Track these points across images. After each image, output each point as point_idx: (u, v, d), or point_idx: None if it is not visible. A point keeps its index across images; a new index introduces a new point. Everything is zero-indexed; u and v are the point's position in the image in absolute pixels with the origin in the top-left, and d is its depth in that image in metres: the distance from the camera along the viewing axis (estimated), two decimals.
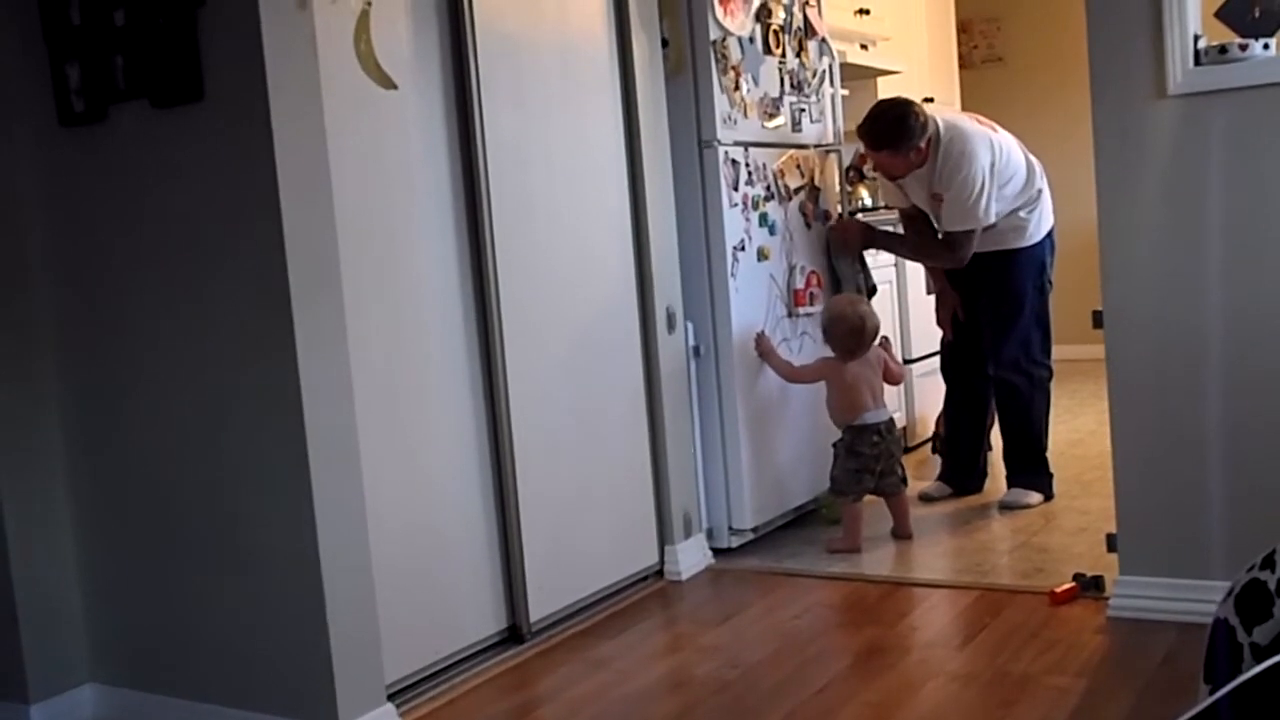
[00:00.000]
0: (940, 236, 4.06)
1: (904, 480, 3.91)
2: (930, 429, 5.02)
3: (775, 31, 4.02)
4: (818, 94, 4.27)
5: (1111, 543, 3.07)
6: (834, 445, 3.90)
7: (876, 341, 3.92)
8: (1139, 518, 2.98)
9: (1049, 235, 4.12)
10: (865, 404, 3.83)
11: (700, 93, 3.71)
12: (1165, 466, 2.92)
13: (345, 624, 2.54)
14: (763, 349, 3.87)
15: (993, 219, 3.92)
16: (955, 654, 2.89)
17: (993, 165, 3.89)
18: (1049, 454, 4.19)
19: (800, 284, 4.07)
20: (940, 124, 3.91)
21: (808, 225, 4.15)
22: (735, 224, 3.77)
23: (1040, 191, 4.09)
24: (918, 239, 4.17)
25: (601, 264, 3.43)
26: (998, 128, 4.04)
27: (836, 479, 3.87)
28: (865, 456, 3.81)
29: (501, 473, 3.08)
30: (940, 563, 3.63)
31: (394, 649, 2.71)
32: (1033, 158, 4.10)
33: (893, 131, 3.83)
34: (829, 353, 3.97)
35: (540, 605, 3.17)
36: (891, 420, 3.91)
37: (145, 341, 2.67)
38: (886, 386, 3.96)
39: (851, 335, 3.84)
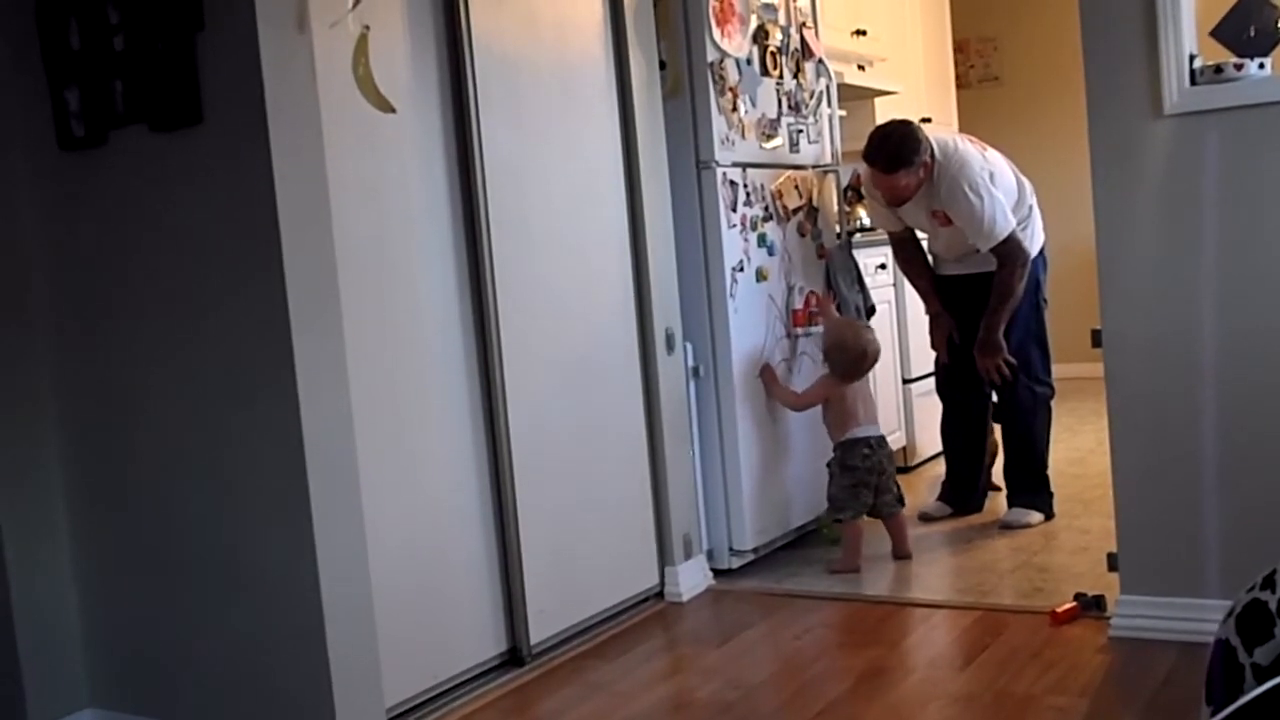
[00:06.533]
0: (995, 263, 3.97)
1: (900, 500, 3.91)
2: (930, 449, 5.03)
3: (772, 53, 4.03)
4: (815, 115, 4.28)
5: (1112, 562, 3.06)
6: (828, 465, 3.91)
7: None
8: (1140, 537, 2.97)
9: (1041, 252, 4.14)
10: (858, 418, 3.85)
11: (698, 114, 3.72)
12: (1166, 485, 2.92)
13: (345, 648, 2.53)
14: (766, 380, 3.88)
15: (1015, 221, 3.92)
16: (957, 675, 2.88)
17: (991, 176, 3.91)
18: (1049, 473, 4.19)
19: (799, 304, 4.08)
20: (933, 142, 3.92)
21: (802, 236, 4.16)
22: (734, 245, 3.78)
23: (1031, 208, 4.11)
24: (996, 297, 3.97)
25: (600, 285, 3.44)
26: (986, 146, 4.06)
27: (834, 497, 3.88)
28: (859, 470, 3.82)
29: (501, 495, 3.08)
30: (941, 583, 3.62)
31: (394, 672, 2.71)
32: (1022, 176, 4.12)
33: (904, 148, 3.84)
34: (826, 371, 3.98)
35: (540, 628, 3.17)
36: (883, 437, 3.92)
37: (145, 365, 2.67)
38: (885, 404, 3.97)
39: (854, 363, 3.86)
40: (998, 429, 4.26)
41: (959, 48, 6.72)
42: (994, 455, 4.37)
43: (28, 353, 2.76)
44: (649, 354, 3.57)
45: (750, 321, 3.85)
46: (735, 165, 3.81)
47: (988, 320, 4.00)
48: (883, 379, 4.72)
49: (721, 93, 3.76)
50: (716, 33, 3.74)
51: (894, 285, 4.87)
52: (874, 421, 3.91)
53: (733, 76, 3.81)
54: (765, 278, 3.92)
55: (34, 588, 2.75)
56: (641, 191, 3.54)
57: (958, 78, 6.55)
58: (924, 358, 4.76)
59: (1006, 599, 3.38)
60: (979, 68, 7.29)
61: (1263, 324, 2.79)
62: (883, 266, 4.80)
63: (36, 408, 2.78)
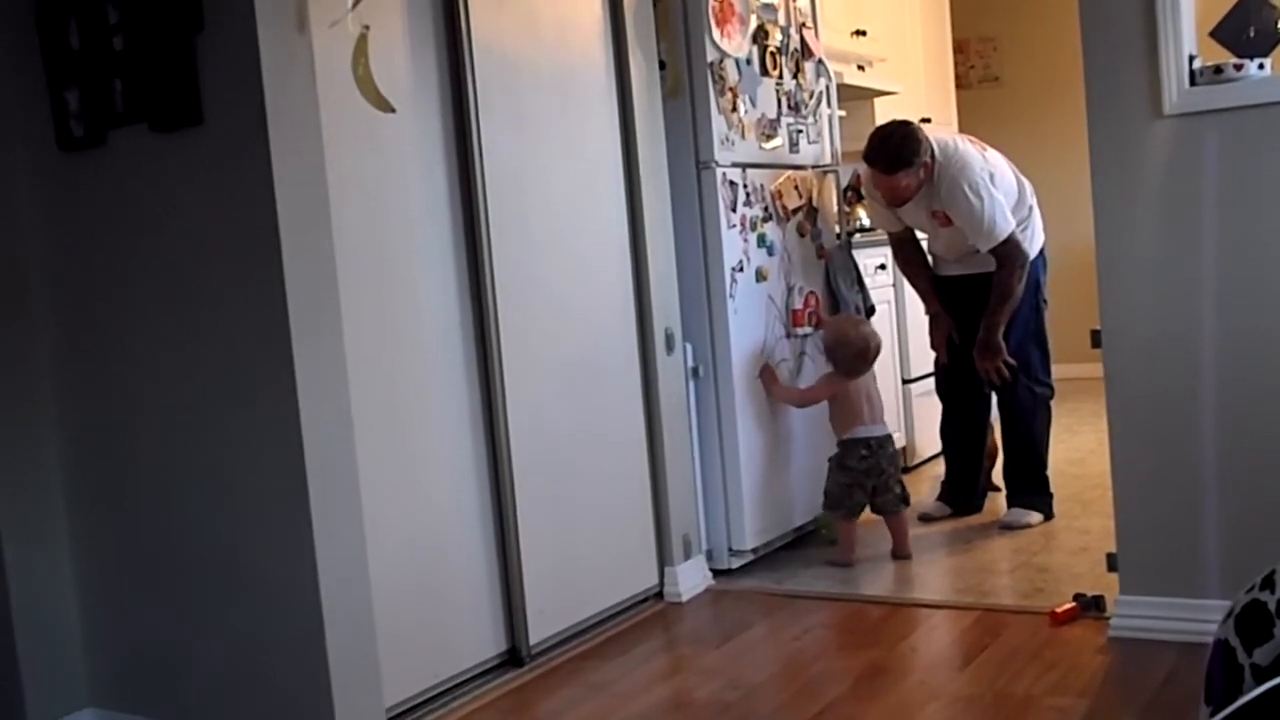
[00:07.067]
0: (994, 264, 3.97)
1: (904, 499, 3.91)
2: (929, 449, 5.02)
3: (772, 53, 4.03)
4: (815, 115, 4.28)
5: (1112, 562, 3.07)
6: (829, 460, 3.92)
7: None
8: (1139, 537, 2.97)
9: (1041, 253, 4.14)
10: (862, 417, 3.86)
11: (698, 114, 3.73)
12: (1165, 485, 2.92)
13: (345, 648, 2.53)
14: (765, 380, 3.88)
15: (1014, 222, 3.93)
16: (956, 675, 2.88)
17: (992, 176, 3.92)
18: (1049, 473, 4.19)
19: (798, 304, 4.08)
20: (933, 143, 3.93)
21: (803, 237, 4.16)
22: (733, 245, 3.78)
23: (1031, 209, 4.11)
24: (995, 298, 3.97)
25: (600, 286, 3.44)
26: (986, 147, 4.06)
27: (828, 492, 3.91)
28: (854, 471, 3.83)
29: (501, 495, 3.08)
30: (940, 583, 3.62)
31: (393, 672, 2.71)
32: (1022, 176, 4.12)
33: (905, 149, 3.84)
34: (829, 369, 3.98)
35: (540, 628, 3.17)
36: (887, 436, 3.92)
37: (145, 365, 2.67)
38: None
39: (857, 357, 3.87)
40: (997, 429, 4.26)
41: (959, 48, 6.72)
42: (994, 456, 4.37)
43: (27, 353, 2.76)
44: (649, 354, 3.57)
45: (750, 322, 3.85)
46: (735, 165, 3.81)
47: (987, 321, 4.00)
48: (882, 379, 4.70)
49: (721, 93, 3.76)
50: (716, 33, 3.74)
51: (894, 286, 4.87)
52: (879, 421, 3.91)
53: (732, 77, 3.81)
54: (765, 278, 3.92)
55: (34, 588, 2.75)
56: (641, 192, 3.54)
57: (957, 78, 6.55)
58: (923, 358, 4.77)
59: (1006, 599, 3.38)
60: (979, 68, 7.29)
61: (1263, 324, 2.79)
62: (882, 267, 4.80)
63: (36, 408, 2.78)
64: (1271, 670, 1.56)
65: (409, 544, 2.83)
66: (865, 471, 3.83)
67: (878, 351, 3.93)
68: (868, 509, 3.90)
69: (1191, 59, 2.84)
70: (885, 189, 3.95)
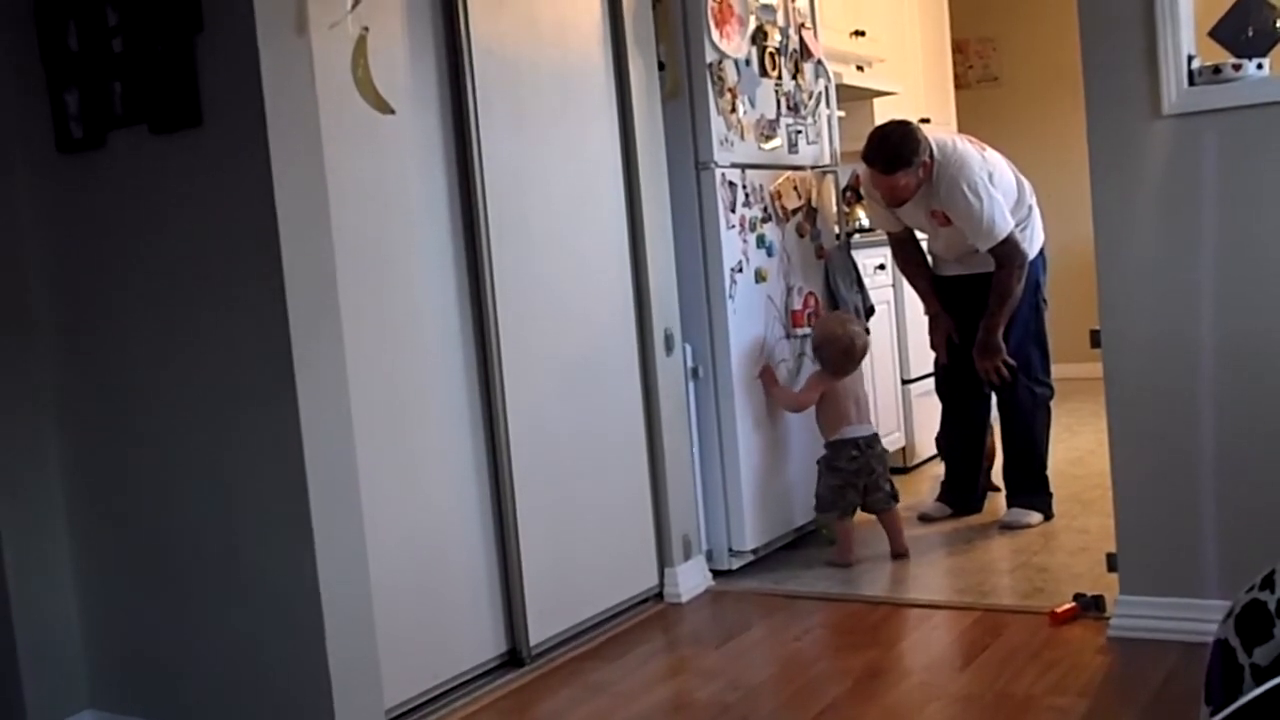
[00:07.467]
0: (993, 264, 3.96)
1: (893, 496, 3.91)
2: (929, 449, 5.02)
3: (771, 54, 4.03)
4: (814, 115, 4.29)
5: (1111, 562, 3.07)
6: (818, 463, 3.92)
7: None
8: (1139, 537, 2.97)
9: (1041, 253, 4.14)
10: (849, 418, 3.86)
11: (697, 115, 3.73)
12: (1165, 485, 2.92)
13: (345, 650, 2.53)
14: (765, 381, 3.88)
15: (1013, 222, 3.93)
16: (956, 675, 2.88)
17: (991, 176, 3.92)
18: (1049, 473, 4.19)
19: (798, 305, 4.08)
20: (932, 143, 3.93)
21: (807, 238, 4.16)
22: (733, 245, 3.78)
23: (1031, 209, 4.11)
24: (994, 298, 3.96)
25: (600, 287, 3.44)
26: (985, 147, 4.06)
27: (821, 496, 3.91)
28: (845, 472, 3.84)
29: (501, 496, 3.08)
30: (940, 583, 3.63)
31: (393, 674, 2.71)
32: (1022, 176, 4.12)
33: (904, 148, 3.84)
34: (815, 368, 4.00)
35: (540, 629, 3.17)
36: (874, 435, 3.93)
37: (144, 367, 2.67)
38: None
39: (844, 355, 3.87)
40: (997, 429, 4.26)
41: (958, 48, 6.72)
42: (993, 456, 4.37)
43: (27, 354, 2.76)
44: (648, 355, 3.57)
45: (749, 322, 3.86)
46: (734, 166, 3.81)
47: (987, 321, 4.00)
48: (882, 379, 4.72)
49: (720, 94, 3.76)
50: (715, 34, 3.74)
51: (893, 286, 4.87)
52: (866, 421, 3.92)
53: (731, 78, 3.81)
54: (764, 279, 3.93)
55: (34, 589, 2.75)
56: (641, 193, 3.54)
57: (956, 78, 6.54)
58: (923, 358, 4.77)
59: (1006, 599, 3.38)
60: (978, 68, 7.29)
61: (1262, 324, 2.79)
62: (881, 267, 4.81)
63: (36, 409, 2.78)
64: (1271, 670, 1.56)
65: (409, 544, 2.83)
66: (856, 471, 3.84)
67: (864, 350, 3.93)
68: (860, 509, 3.90)
69: (1190, 59, 2.84)
70: (884, 189, 3.95)
